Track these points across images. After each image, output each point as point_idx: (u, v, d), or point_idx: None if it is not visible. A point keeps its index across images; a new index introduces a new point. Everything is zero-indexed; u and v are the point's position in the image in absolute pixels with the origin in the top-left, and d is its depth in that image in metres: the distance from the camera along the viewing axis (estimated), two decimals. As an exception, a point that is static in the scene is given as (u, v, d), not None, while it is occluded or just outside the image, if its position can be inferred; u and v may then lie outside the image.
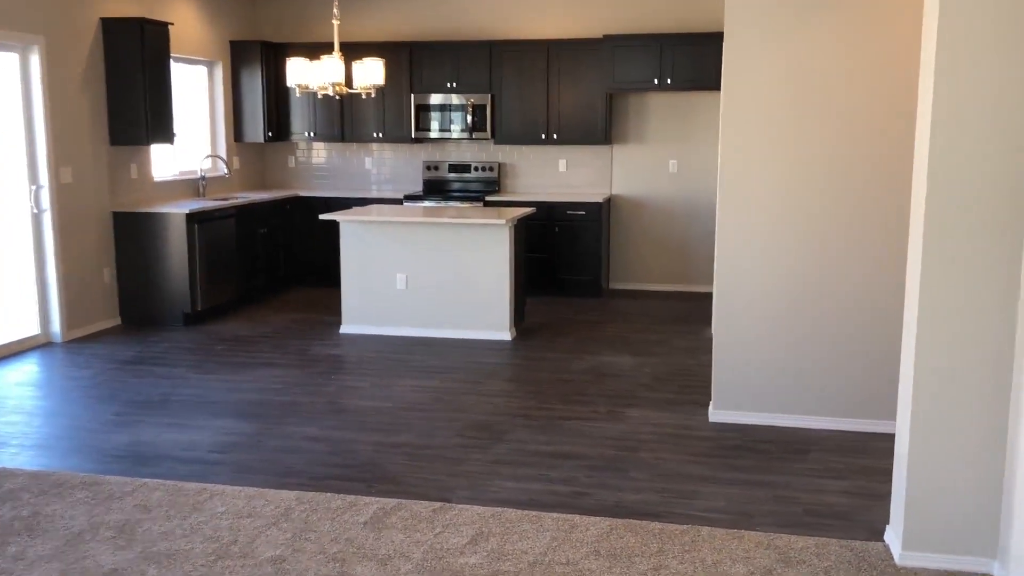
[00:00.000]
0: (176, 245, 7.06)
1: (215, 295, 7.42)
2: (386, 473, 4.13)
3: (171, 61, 7.37)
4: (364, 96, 6.13)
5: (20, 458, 4.36)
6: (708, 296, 8.26)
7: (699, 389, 5.37)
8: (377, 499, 3.80)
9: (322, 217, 6.75)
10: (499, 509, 3.70)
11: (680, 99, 8.46)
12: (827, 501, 3.83)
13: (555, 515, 3.64)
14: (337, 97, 6.06)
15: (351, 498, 3.81)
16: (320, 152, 9.34)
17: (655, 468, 4.17)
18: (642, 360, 6.10)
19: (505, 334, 6.65)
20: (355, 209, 7.23)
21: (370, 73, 5.83)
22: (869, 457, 4.30)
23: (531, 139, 8.54)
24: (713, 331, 4.83)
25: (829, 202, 4.52)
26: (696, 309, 7.80)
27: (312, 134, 8.95)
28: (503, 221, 6.40)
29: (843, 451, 4.38)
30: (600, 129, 8.35)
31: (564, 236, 8.26)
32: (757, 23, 4.49)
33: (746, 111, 4.55)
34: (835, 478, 4.06)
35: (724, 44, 4.65)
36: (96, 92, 6.92)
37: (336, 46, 5.95)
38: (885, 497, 3.74)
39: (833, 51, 4.42)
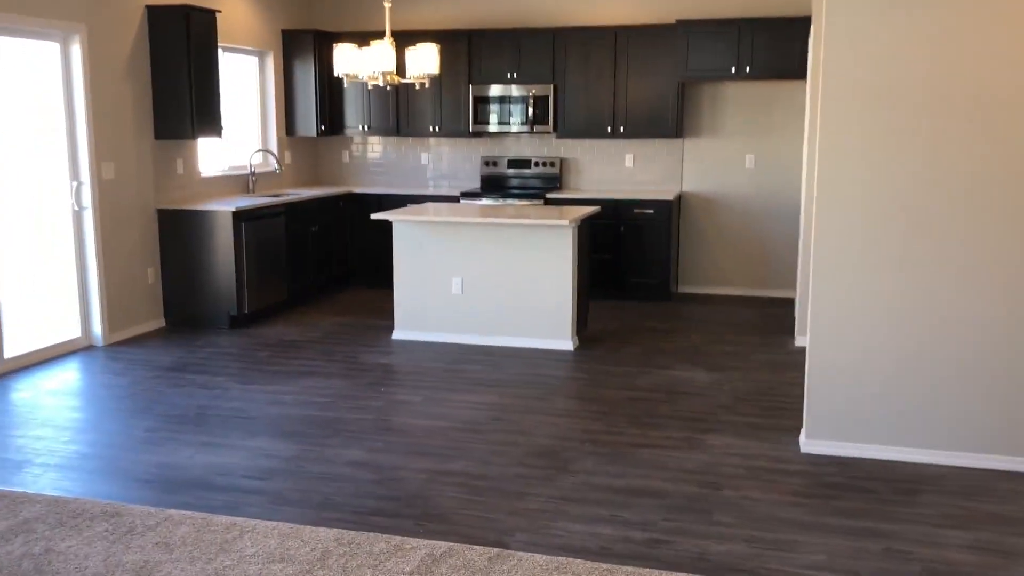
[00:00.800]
0: (223, 244, 6.72)
1: (263, 296, 7.07)
2: (437, 508, 3.67)
3: (219, 51, 7.01)
4: (418, 87, 5.68)
5: (42, 480, 4.01)
6: (788, 302, 7.67)
7: (787, 412, 4.81)
8: (426, 541, 3.34)
9: (374, 217, 6.33)
10: (565, 559, 3.21)
11: (759, 89, 7.84)
12: (948, 558, 3.26)
13: (629, 568, 3.14)
14: (388, 88, 5.62)
15: (396, 540, 3.36)
16: (375, 147, 8.94)
17: (743, 510, 3.64)
18: (719, 376, 5.55)
19: (567, 343, 6.15)
20: (409, 208, 6.80)
21: (424, 61, 5.36)
22: (995, 501, 3.70)
23: (596, 132, 8.01)
24: (807, 348, 4.27)
25: (951, 206, 3.92)
26: (776, 317, 7.20)
27: (366, 127, 8.55)
28: (566, 222, 5.90)
29: (963, 493, 3.79)
30: (671, 121, 7.79)
31: (630, 236, 7.72)
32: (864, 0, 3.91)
33: (848, 102, 3.98)
34: (956, 527, 3.49)
35: (823, 23, 4.07)
36: (140, 83, 6.59)
37: (387, 32, 5.49)
38: (1019, 556, 3.17)
39: (962, 33, 3.82)
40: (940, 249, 3.96)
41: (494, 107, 8.14)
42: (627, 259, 7.77)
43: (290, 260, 7.45)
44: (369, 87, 5.75)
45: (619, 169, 8.28)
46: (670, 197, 7.64)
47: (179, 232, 6.79)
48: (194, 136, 6.73)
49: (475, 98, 8.17)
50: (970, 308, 3.97)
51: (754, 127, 7.91)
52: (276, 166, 7.97)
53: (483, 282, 6.25)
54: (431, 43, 5.45)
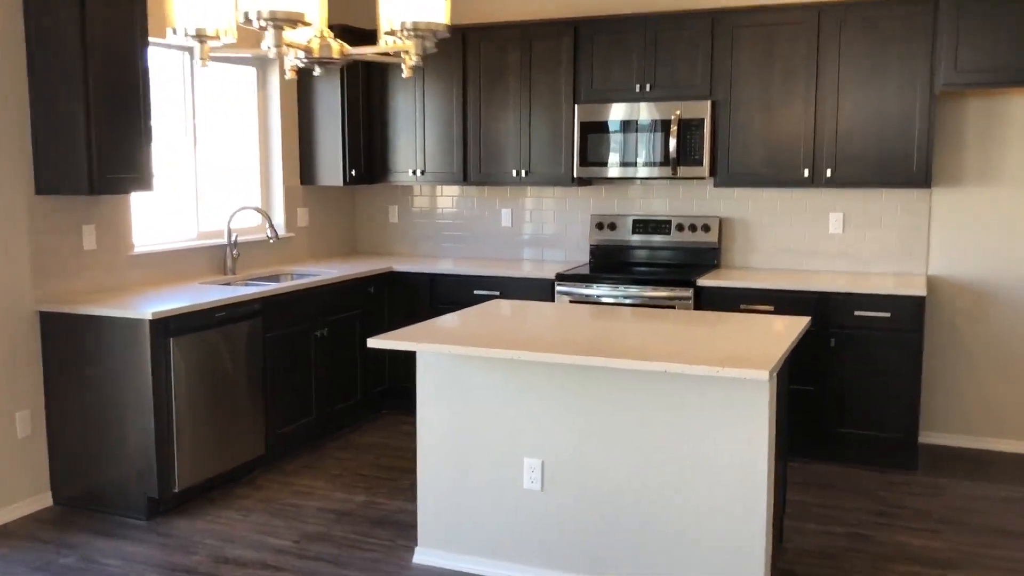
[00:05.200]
0: (135, 375, 3.89)
1: (213, 458, 4.19)
2: None
3: (148, 49, 4.22)
4: (405, 72, 2.59)
5: None
6: None
7: None
8: None
9: (372, 343, 3.34)
10: None
11: (1076, 102, 4.54)
12: None
13: None
14: (315, 71, 2.57)
15: None
16: (435, 200, 6.04)
17: None
18: None
19: (756, 611, 2.99)
20: (452, 317, 3.80)
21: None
22: None
23: (781, 178, 4.85)
24: None
25: None
26: None
27: (419, 172, 5.67)
28: (764, 373, 2.75)
29: None
30: (915, 160, 4.56)
31: (847, 354, 4.50)
32: None
33: None
34: None
35: None
36: (11, 104, 3.89)
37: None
38: None
39: None
40: None
41: (614, 139, 5.11)
42: (839, 394, 4.54)
43: (271, 390, 4.56)
44: (287, 74, 2.75)
45: (819, 237, 5.08)
46: (919, 291, 4.39)
47: (74, 351, 4.01)
48: (94, 190, 3.94)
49: (583, 125, 5.16)
50: None
51: (1065, 168, 4.59)
52: (271, 232, 5.12)
53: (581, 471, 3.19)
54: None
